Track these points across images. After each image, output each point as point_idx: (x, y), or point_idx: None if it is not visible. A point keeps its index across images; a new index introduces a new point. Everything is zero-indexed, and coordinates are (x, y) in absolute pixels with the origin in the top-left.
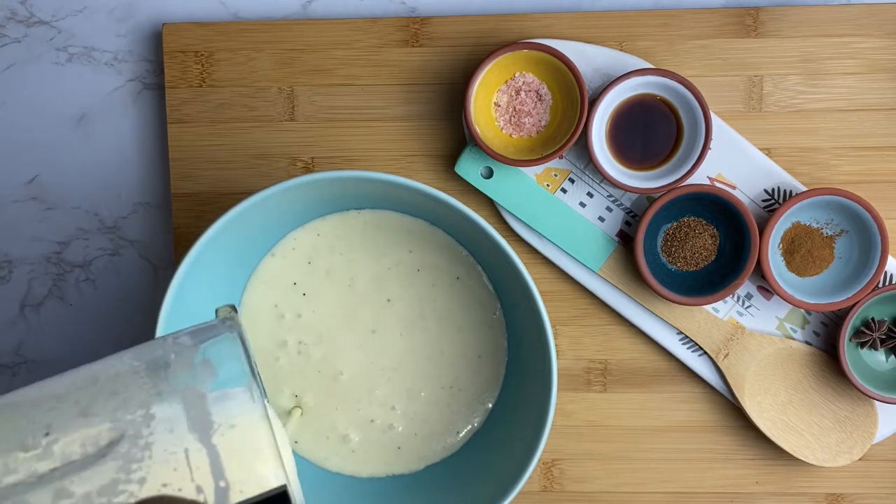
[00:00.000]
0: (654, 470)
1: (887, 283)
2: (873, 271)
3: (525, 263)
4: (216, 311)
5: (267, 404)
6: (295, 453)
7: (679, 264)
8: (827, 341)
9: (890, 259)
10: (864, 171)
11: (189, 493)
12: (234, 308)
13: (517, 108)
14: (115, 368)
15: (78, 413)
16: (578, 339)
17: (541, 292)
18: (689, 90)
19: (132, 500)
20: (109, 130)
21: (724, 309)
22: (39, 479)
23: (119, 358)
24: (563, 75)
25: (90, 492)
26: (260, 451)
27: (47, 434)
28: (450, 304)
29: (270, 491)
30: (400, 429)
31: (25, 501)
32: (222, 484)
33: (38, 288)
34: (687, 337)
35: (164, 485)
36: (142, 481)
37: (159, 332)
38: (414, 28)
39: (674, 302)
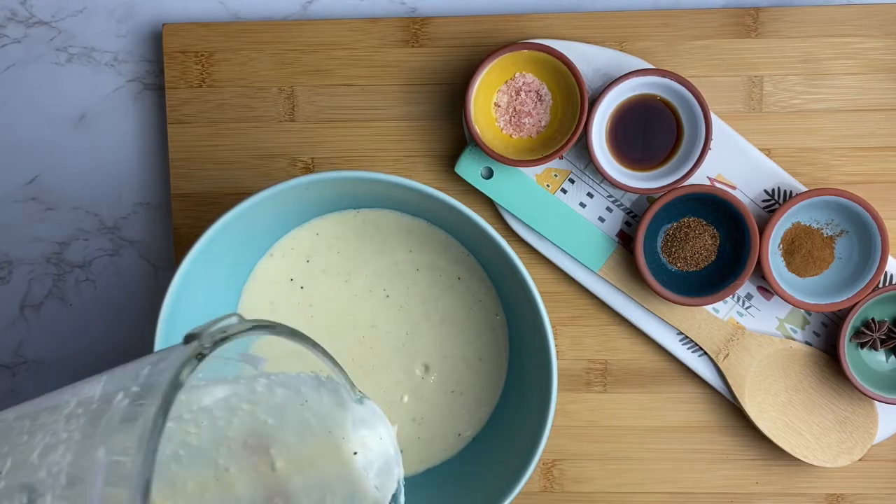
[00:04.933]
0: (654, 470)
1: (887, 284)
2: (873, 272)
3: (525, 264)
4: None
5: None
6: None
7: (679, 265)
8: (827, 342)
9: (890, 259)
10: (864, 172)
11: None
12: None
13: (517, 108)
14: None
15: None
16: (578, 340)
17: (541, 293)
18: (689, 90)
19: None
20: (109, 131)
21: (724, 309)
22: None
23: (92, 389)
24: (563, 75)
25: None
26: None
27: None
28: (451, 306)
29: None
30: (403, 432)
31: None
32: None
33: (38, 288)
34: (687, 337)
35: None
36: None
37: (159, 332)
38: (414, 28)
39: (674, 302)
